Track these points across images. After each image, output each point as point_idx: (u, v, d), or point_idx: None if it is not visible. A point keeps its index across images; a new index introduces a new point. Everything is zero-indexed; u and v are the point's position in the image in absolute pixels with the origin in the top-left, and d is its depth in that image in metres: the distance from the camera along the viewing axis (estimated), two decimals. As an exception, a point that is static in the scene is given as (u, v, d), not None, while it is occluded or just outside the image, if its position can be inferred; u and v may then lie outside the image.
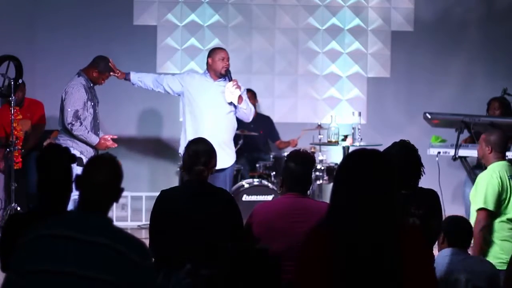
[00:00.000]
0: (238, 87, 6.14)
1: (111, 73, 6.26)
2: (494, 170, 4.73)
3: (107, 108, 7.74)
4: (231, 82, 6.15)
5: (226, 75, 6.19)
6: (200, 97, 6.19)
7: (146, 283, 2.56)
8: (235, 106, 6.21)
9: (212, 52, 6.32)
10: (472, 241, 4.60)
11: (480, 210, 4.63)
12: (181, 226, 3.94)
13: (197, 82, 6.26)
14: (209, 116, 6.14)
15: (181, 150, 6.26)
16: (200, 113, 6.17)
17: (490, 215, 4.62)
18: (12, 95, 6.59)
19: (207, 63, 6.27)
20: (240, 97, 6.16)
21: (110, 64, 6.22)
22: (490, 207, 4.62)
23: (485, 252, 4.61)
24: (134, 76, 6.38)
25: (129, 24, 8.62)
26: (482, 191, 4.64)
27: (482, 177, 4.75)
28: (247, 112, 6.28)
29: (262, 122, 8.36)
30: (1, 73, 6.58)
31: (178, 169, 7.39)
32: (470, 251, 4.29)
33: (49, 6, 8.49)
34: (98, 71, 6.15)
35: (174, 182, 7.83)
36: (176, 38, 8.71)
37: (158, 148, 8.67)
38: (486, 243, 4.61)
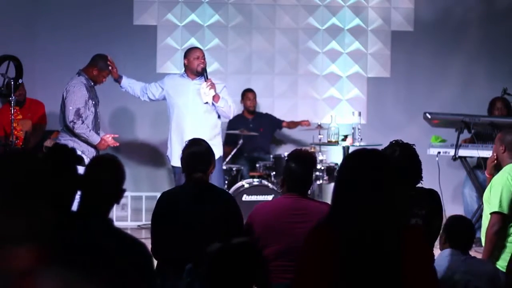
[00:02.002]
0: (212, 87, 6.21)
1: (109, 68, 6.32)
2: (509, 172, 4.60)
3: (107, 108, 7.76)
4: (205, 83, 6.23)
5: (202, 74, 6.28)
6: (179, 97, 6.32)
7: (146, 284, 2.56)
8: (214, 105, 6.28)
9: (187, 52, 6.45)
10: (482, 244, 4.55)
11: (494, 213, 4.52)
12: (182, 227, 3.93)
13: (175, 83, 6.40)
14: (189, 115, 6.26)
15: (169, 152, 6.48)
16: (181, 113, 6.29)
17: (504, 219, 4.50)
18: (12, 95, 6.59)
19: (184, 64, 6.42)
20: (215, 96, 6.22)
21: (108, 60, 6.27)
22: (505, 210, 4.50)
23: (497, 255, 4.49)
24: (125, 81, 6.53)
25: (129, 24, 8.62)
26: (497, 194, 4.51)
27: (497, 179, 4.61)
28: (225, 110, 6.33)
29: (261, 120, 8.37)
30: (1, 73, 6.58)
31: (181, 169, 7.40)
32: (474, 253, 4.25)
33: (49, 6, 8.49)
34: (97, 69, 6.17)
35: (174, 182, 7.82)
36: (176, 38, 8.71)
37: (158, 147, 8.67)
38: (497, 246, 4.50)
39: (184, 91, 6.32)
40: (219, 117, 6.39)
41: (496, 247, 4.51)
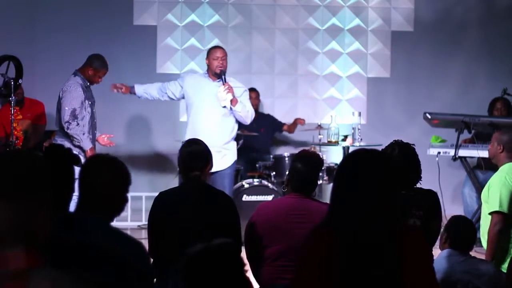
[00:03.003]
0: (230, 91, 6.05)
1: (118, 91, 6.29)
2: (507, 172, 4.61)
3: (107, 107, 7.75)
4: (222, 87, 6.05)
5: (220, 76, 6.10)
6: (197, 97, 6.14)
7: (144, 285, 2.56)
8: (232, 109, 6.16)
9: (208, 51, 6.26)
10: (485, 244, 4.54)
11: (494, 213, 4.52)
12: (179, 228, 3.87)
13: (195, 82, 6.23)
14: (205, 117, 6.09)
15: None
16: (197, 114, 6.12)
17: (505, 218, 4.50)
18: (12, 95, 6.59)
19: (206, 63, 6.25)
20: (233, 100, 6.07)
21: (114, 87, 6.25)
22: (506, 209, 4.50)
23: (500, 258, 4.49)
24: (139, 89, 6.38)
25: (129, 24, 8.62)
26: (496, 194, 4.52)
27: (495, 179, 4.62)
28: (242, 115, 6.16)
29: (263, 121, 8.36)
30: (1, 73, 6.58)
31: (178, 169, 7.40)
32: (474, 253, 4.24)
33: (49, 6, 8.49)
34: (93, 68, 6.16)
35: (174, 182, 7.80)
36: (176, 38, 8.71)
37: (158, 147, 8.67)
38: (501, 248, 4.49)
39: (203, 91, 6.12)
40: (236, 121, 6.25)
41: (499, 249, 4.50)
